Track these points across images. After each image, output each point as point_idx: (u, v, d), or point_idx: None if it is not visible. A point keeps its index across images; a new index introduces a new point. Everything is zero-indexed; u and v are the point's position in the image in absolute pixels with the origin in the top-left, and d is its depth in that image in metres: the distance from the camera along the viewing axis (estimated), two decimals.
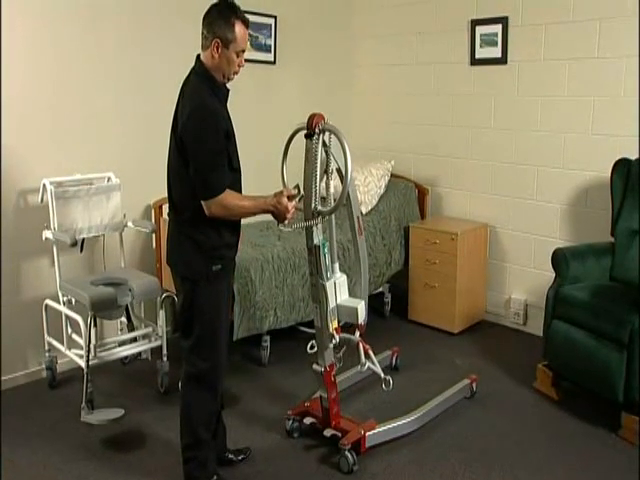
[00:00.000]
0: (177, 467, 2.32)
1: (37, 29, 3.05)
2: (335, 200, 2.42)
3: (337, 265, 2.88)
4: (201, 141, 2.05)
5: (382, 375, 2.69)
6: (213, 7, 2.12)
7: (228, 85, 2.20)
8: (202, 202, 2.09)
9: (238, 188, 2.23)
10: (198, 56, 2.16)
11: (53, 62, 3.13)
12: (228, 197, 2.10)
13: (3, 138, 2.99)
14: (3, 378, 3.12)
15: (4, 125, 2.99)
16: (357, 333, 2.91)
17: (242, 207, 2.16)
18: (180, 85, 2.21)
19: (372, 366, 2.74)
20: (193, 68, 2.17)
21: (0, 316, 3.05)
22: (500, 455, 2.60)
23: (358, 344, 2.74)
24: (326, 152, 2.40)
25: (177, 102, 2.18)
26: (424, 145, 4.35)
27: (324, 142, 2.38)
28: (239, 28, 2.09)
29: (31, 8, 3.01)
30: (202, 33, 2.12)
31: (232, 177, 2.17)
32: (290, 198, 2.19)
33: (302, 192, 2.27)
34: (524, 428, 2.81)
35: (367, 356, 2.69)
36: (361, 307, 2.72)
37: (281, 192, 2.19)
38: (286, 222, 2.23)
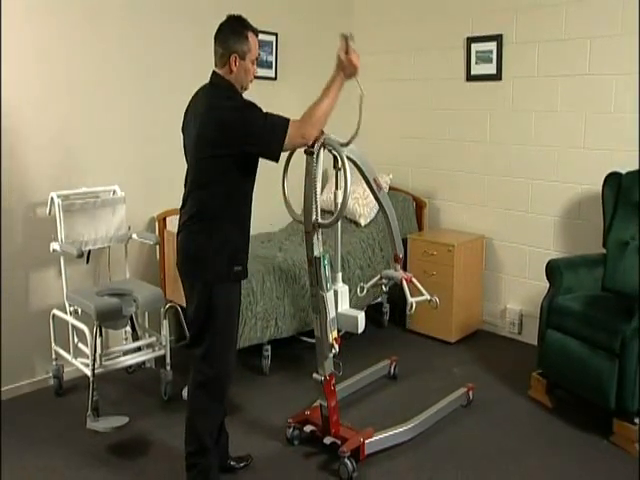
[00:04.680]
0: (180, 473, 2.35)
1: (46, 46, 3.13)
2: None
3: (340, 275, 2.95)
4: (252, 116, 2.12)
5: (429, 297, 2.76)
6: (224, 25, 2.21)
7: None
8: (297, 136, 2.14)
9: (251, 197, 2.30)
10: (214, 72, 2.23)
11: (61, 79, 3.21)
12: (303, 116, 2.17)
13: (14, 153, 3.07)
14: (11, 386, 3.18)
15: (15, 141, 3.07)
16: (398, 266, 2.90)
17: (319, 104, 2.20)
18: (186, 100, 2.28)
19: (419, 299, 2.79)
20: (211, 83, 2.24)
21: (0, 325, 3.09)
22: (496, 462, 2.64)
23: (402, 281, 2.77)
24: (330, 152, 2.45)
25: (186, 115, 2.23)
26: (421, 159, 4.42)
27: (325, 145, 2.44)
28: (251, 38, 2.20)
29: (39, 27, 3.10)
30: (216, 52, 2.20)
31: (252, 183, 2.25)
32: (347, 50, 2.23)
33: (349, 34, 2.24)
34: (519, 435, 2.86)
35: (411, 289, 2.72)
36: (361, 317, 2.78)
37: (338, 56, 2.24)
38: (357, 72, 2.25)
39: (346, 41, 2.23)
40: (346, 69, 2.24)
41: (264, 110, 2.16)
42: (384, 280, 2.97)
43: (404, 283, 2.83)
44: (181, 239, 2.32)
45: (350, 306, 2.91)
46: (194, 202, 2.25)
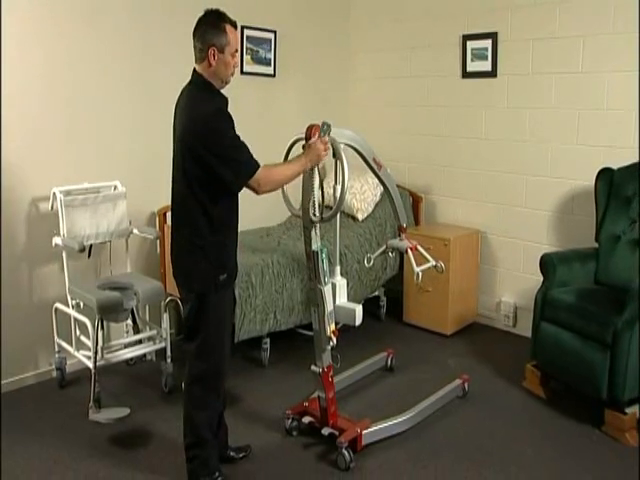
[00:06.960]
0: (181, 464, 2.40)
1: (49, 43, 3.16)
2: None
3: (338, 268, 2.99)
4: (224, 138, 2.11)
5: (434, 263, 2.82)
6: (201, 20, 2.20)
7: (226, 94, 2.27)
8: (250, 185, 2.15)
9: (236, 200, 2.29)
10: (194, 70, 2.23)
11: (63, 76, 3.24)
12: (269, 168, 2.20)
13: (17, 149, 3.11)
14: (15, 378, 3.22)
15: (18, 138, 3.11)
16: (403, 236, 2.94)
17: (285, 171, 2.26)
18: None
19: (425, 267, 2.83)
20: (190, 81, 2.24)
21: (0, 318, 3.13)
22: (491, 452, 2.69)
23: (407, 250, 2.82)
24: (332, 146, 2.48)
25: (175, 116, 2.24)
26: (418, 154, 4.47)
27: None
28: (230, 31, 2.18)
29: (42, 23, 3.13)
30: (195, 46, 2.19)
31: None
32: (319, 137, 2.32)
33: (328, 123, 2.36)
34: (514, 425, 2.91)
35: (416, 257, 2.79)
36: (359, 310, 2.82)
37: (307, 140, 2.32)
38: (324, 156, 2.35)
39: (324, 125, 2.35)
40: (313, 155, 2.33)
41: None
42: (389, 249, 3.04)
43: (409, 252, 2.86)
44: (171, 245, 2.37)
45: (349, 296, 2.96)
46: (175, 211, 2.30)
